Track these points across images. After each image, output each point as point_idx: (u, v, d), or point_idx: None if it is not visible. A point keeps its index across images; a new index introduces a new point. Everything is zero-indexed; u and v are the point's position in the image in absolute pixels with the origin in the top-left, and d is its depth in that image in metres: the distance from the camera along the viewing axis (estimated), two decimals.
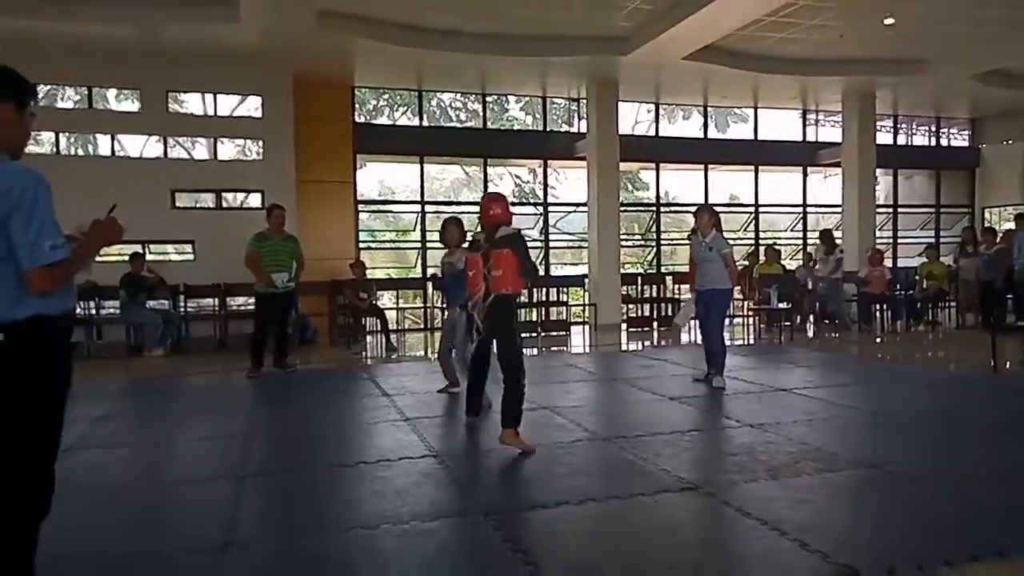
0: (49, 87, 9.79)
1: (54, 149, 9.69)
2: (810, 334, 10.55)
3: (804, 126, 14.31)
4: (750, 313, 11.06)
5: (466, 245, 5.49)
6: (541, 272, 12.50)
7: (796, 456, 4.11)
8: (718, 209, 7.02)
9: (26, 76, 2.27)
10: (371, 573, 2.69)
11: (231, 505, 3.43)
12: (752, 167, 13.91)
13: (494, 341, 4.45)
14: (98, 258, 2.40)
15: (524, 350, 4.50)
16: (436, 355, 6.44)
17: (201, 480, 3.87)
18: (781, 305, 9.83)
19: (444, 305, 6.07)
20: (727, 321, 6.53)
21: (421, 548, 2.93)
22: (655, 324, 11.84)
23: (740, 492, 3.51)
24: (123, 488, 3.79)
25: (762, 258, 11.94)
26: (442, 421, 5.19)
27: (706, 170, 13.60)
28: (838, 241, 11.59)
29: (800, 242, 14.38)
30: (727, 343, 6.49)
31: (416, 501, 3.48)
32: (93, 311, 9.34)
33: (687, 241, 6.75)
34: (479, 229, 4.57)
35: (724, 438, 4.64)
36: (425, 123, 12.23)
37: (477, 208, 4.66)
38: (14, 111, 2.21)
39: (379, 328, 9.98)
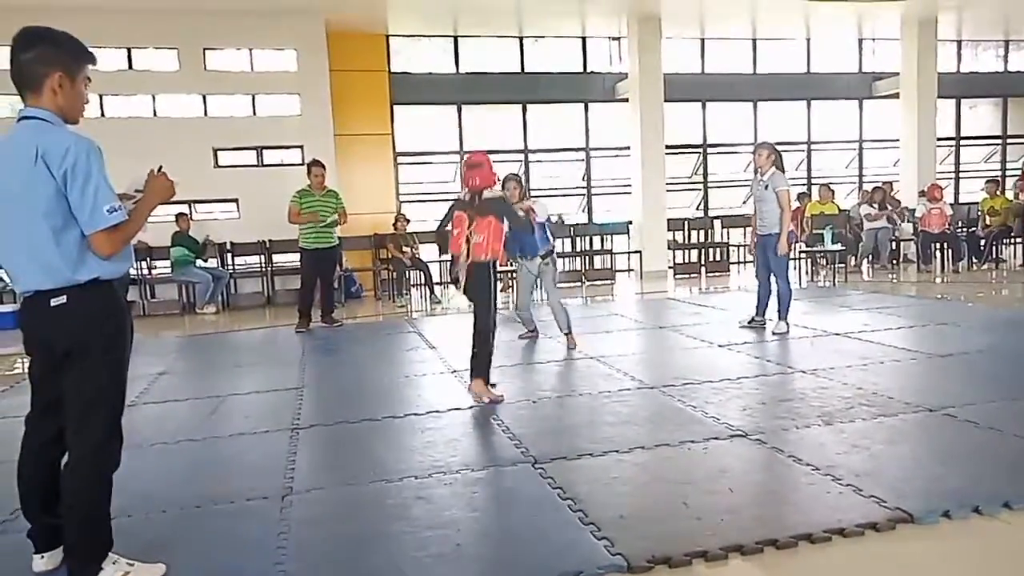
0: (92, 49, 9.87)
1: (99, 112, 9.85)
2: (865, 276, 10.20)
3: (860, 56, 13.54)
4: (801, 255, 10.71)
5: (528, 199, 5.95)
6: (585, 220, 12.36)
7: (850, 401, 4.00)
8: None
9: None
10: (426, 517, 2.74)
11: (288, 455, 3.53)
12: (804, 101, 13.30)
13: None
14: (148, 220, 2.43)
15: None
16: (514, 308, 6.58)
17: (258, 432, 3.98)
18: (835, 246, 9.50)
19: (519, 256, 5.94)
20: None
21: (473, 495, 2.98)
22: (703, 270, 11.61)
23: (792, 438, 3.45)
24: (185, 440, 3.91)
25: (815, 197, 11.50)
26: None
27: (755, 107, 13.07)
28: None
29: (856, 180, 13.76)
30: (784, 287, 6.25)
31: (466, 451, 3.53)
32: (146, 272, 9.65)
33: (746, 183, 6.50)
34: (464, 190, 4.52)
35: (775, 384, 4.55)
36: (462, 70, 11.99)
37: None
38: (65, 77, 2.22)
39: (423, 281, 10.04)
